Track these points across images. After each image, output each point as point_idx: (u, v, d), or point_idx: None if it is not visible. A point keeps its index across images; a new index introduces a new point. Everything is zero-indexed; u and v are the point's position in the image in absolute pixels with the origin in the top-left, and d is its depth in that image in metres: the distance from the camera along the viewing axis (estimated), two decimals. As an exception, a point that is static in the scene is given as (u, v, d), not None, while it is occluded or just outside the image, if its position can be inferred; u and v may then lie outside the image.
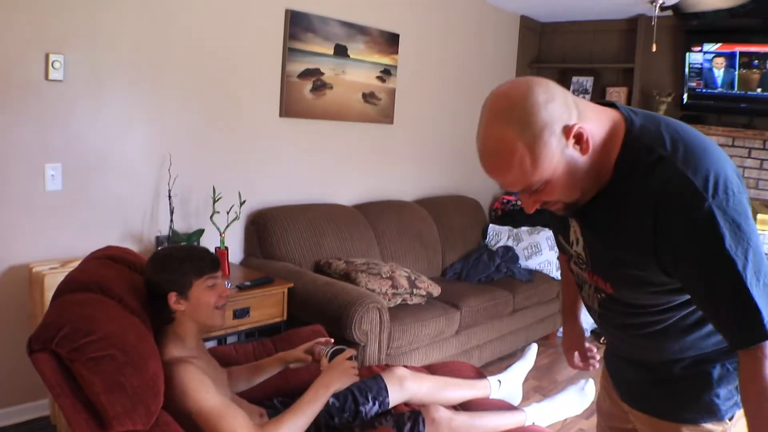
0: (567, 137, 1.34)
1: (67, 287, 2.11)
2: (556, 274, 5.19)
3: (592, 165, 1.40)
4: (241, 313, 3.39)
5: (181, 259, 2.21)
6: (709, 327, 1.51)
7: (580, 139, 1.35)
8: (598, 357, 2.11)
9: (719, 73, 5.30)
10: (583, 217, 1.55)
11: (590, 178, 1.41)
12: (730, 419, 1.61)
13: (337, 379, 2.24)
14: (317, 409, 2.19)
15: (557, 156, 1.34)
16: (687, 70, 5.44)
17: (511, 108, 1.34)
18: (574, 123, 1.34)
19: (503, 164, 1.36)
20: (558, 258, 2.16)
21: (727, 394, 1.59)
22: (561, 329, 5.41)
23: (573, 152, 1.36)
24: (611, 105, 1.47)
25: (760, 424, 1.35)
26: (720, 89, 5.32)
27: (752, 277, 1.30)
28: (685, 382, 1.63)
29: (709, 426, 1.61)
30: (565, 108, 1.34)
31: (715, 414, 1.60)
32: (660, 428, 1.71)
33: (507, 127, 1.33)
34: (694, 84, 5.44)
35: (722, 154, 1.38)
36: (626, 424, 1.92)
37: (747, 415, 1.39)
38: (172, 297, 2.18)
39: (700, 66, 5.38)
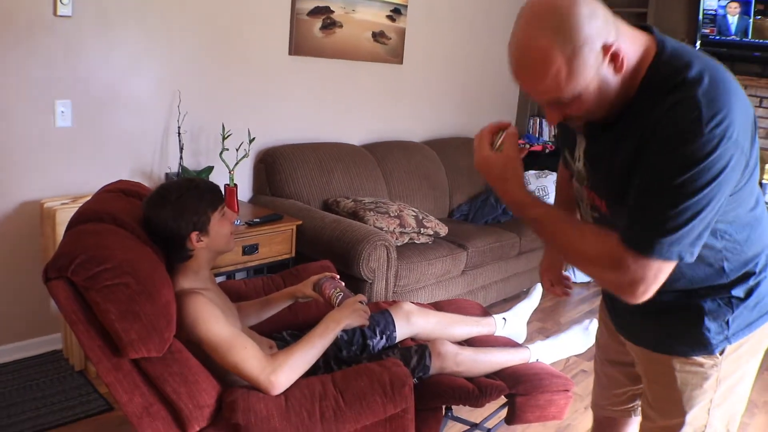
0: (604, 55, 1.33)
1: (80, 218, 2.14)
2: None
3: (622, 85, 1.39)
4: (250, 250, 3.42)
5: (195, 198, 2.20)
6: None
7: (615, 59, 1.34)
8: (573, 287, 2.15)
9: (733, 20, 5.23)
10: (592, 134, 1.56)
11: (618, 97, 1.41)
12: (721, 353, 1.63)
13: (347, 316, 2.28)
14: (327, 343, 2.23)
15: (592, 72, 1.34)
16: (701, 16, 5.36)
17: (554, 16, 1.31)
18: (612, 41, 1.33)
19: (538, 73, 1.34)
20: (557, 175, 2.15)
21: (717, 328, 1.60)
22: (564, 273, 5.47)
23: (608, 71, 1.35)
24: (648, 29, 1.46)
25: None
26: (733, 36, 5.26)
27: (681, 210, 1.32)
28: (675, 315, 1.65)
29: (700, 359, 1.64)
30: (606, 25, 1.34)
31: (705, 347, 1.62)
32: (653, 360, 1.74)
33: (548, 36, 1.30)
34: (707, 31, 5.37)
35: (745, 101, 1.37)
36: (624, 356, 1.96)
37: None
38: (194, 237, 2.19)
39: (714, 12, 5.30)
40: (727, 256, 1.56)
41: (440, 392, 2.41)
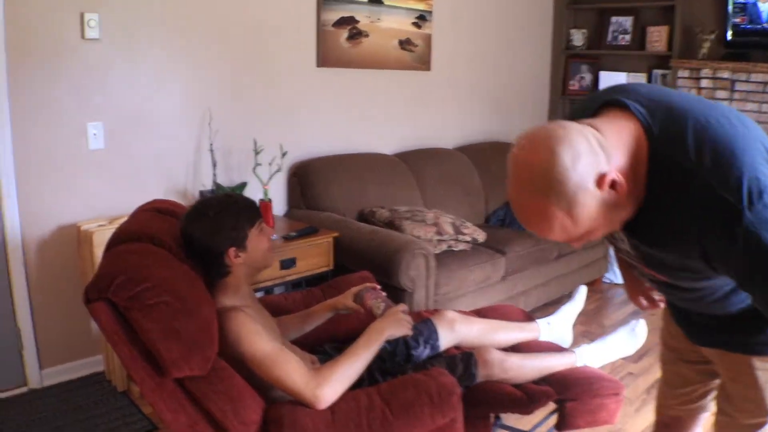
0: (601, 187, 1.30)
1: (118, 239, 2.13)
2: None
3: (629, 194, 1.35)
4: (288, 264, 3.40)
5: (233, 215, 2.18)
6: None
7: (614, 186, 1.31)
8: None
9: (764, 8, 5.11)
10: (629, 232, 1.51)
11: (629, 205, 1.38)
12: None
13: (390, 326, 2.24)
14: (371, 355, 2.19)
15: (595, 208, 1.32)
16: (731, 5, 5.25)
17: (539, 178, 1.30)
18: (605, 169, 1.30)
19: (543, 228, 1.35)
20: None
21: None
22: (606, 274, 5.41)
23: (610, 196, 1.32)
24: (620, 104, 1.40)
25: None
26: (765, 25, 5.15)
27: None
28: (751, 314, 1.57)
29: None
30: (593, 157, 1.29)
31: None
32: (732, 360, 1.70)
33: (540, 198, 1.30)
34: (738, 20, 5.24)
35: (751, 142, 1.32)
36: (698, 355, 1.91)
37: None
38: (232, 253, 2.17)
39: (744, 0, 5.20)
40: None
41: (488, 400, 2.37)
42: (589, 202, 1.30)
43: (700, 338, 1.81)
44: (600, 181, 1.29)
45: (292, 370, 2.05)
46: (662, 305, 2.03)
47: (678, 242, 1.38)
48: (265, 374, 2.05)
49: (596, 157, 1.30)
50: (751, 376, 1.64)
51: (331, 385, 2.06)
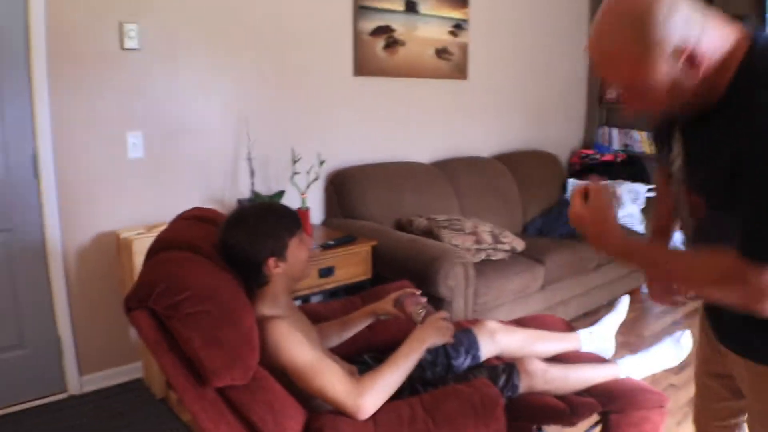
0: (679, 57, 1.30)
1: (158, 247, 2.13)
2: (640, 227, 5.05)
3: (702, 84, 1.35)
4: (326, 272, 3.39)
5: (273, 224, 2.16)
6: None
7: (692, 60, 1.30)
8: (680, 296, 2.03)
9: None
10: (689, 133, 1.50)
11: (696, 95, 1.37)
12: None
13: (431, 334, 2.21)
14: (412, 364, 2.16)
15: (664, 72, 1.33)
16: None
17: (631, 14, 1.32)
18: (691, 43, 1.29)
19: (609, 64, 1.38)
20: (655, 181, 2.06)
21: None
22: (644, 285, 5.33)
23: (683, 72, 1.32)
24: (744, 18, 1.40)
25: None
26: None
27: None
28: None
29: None
30: (686, 24, 1.29)
31: None
32: (758, 374, 1.63)
33: (622, 31, 1.33)
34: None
35: None
36: (725, 368, 1.84)
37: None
38: (271, 263, 2.15)
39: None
40: None
41: (531, 412, 2.33)
42: (662, 61, 1.32)
43: (728, 338, 1.72)
44: (680, 50, 1.31)
45: (333, 379, 2.02)
46: (677, 302, 1.97)
47: (728, 140, 1.36)
48: (306, 384, 2.03)
49: (689, 26, 1.31)
50: None
51: (373, 395, 2.04)
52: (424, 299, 2.42)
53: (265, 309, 2.18)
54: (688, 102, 1.39)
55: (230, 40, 3.67)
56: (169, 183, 3.56)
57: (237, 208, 2.25)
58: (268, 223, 2.15)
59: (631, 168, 5.69)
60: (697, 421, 2.11)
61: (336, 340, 2.54)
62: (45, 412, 3.25)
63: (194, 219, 2.41)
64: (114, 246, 3.39)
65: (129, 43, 3.29)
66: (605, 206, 1.55)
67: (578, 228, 1.60)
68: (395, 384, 2.11)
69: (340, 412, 2.02)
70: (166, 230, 2.28)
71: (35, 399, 3.34)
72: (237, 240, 2.13)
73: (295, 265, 2.21)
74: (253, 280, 2.20)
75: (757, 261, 1.31)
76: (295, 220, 2.23)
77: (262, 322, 2.06)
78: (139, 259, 3.08)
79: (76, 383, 3.44)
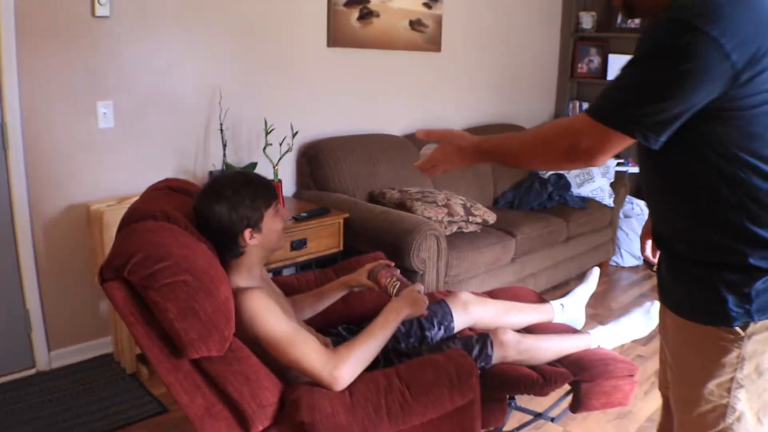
0: None
1: (131, 217, 2.09)
2: (609, 201, 5.11)
3: None
4: (299, 245, 3.38)
5: (250, 195, 2.14)
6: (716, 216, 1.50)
7: None
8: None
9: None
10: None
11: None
12: (743, 329, 1.51)
13: (406, 306, 2.22)
14: (388, 334, 2.17)
15: None
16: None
17: None
18: None
19: None
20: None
21: (735, 300, 1.50)
22: (612, 258, 5.40)
23: None
24: None
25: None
26: None
27: (627, 84, 1.42)
28: (700, 282, 1.56)
29: (718, 330, 1.54)
30: None
31: (723, 318, 1.52)
32: (679, 327, 1.66)
33: None
34: None
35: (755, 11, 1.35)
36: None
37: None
38: (247, 234, 2.13)
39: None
40: (750, 210, 1.46)
41: (504, 382, 2.35)
42: None
43: (667, 297, 1.74)
44: None
45: (309, 350, 2.02)
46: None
47: None
48: (281, 355, 2.03)
49: None
50: (690, 344, 1.64)
51: (349, 366, 2.04)
52: (398, 271, 2.42)
53: (240, 280, 2.17)
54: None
55: (203, 9, 3.61)
56: (140, 154, 3.51)
57: (213, 179, 2.22)
58: (245, 194, 2.13)
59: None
60: (660, 384, 2.13)
61: (309, 313, 2.54)
62: (13, 388, 3.21)
63: (167, 189, 2.38)
64: (84, 218, 3.35)
65: (100, 10, 3.22)
66: (447, 135, 1.82)
67: (435, 165, 1.87)
68: (371, 355, 2.11)
69: (316, 384, 2.02)
70: (139, 200, 2.25)
71: (3, 375, 3.30)
72: (213, 211, 2.11)
73: (270, 237, 2.20)
74: (228, 251, 2.18)
75: (591, 116, 1.46)
76: (270, 191, 2.21)
77: (237, 294, 2.05)
78: (110, 231, 3.05)
79: (45, 358, 3.40)
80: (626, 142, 1.44)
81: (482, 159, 1.77)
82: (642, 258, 5.19)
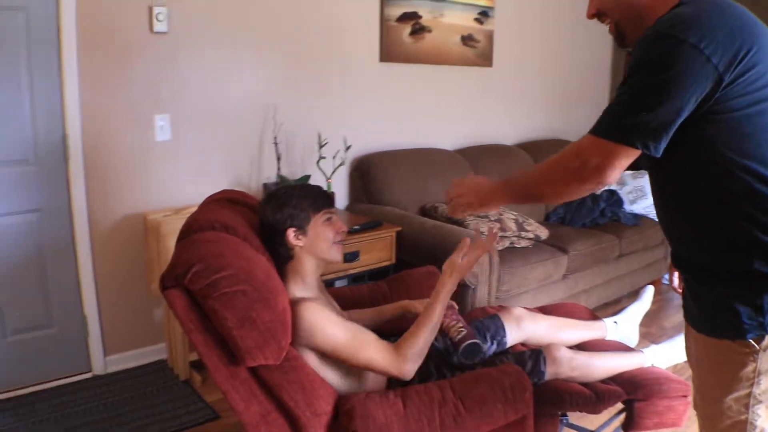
0: None
1: (191, 228, 2.14)
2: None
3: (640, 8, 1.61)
4: (351, 257, 3.40)
5: (298, 196, 2.23)
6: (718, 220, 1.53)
7: None
8: None
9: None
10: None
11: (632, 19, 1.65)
12: (758, 342, 1.50)
13: (452, 280, 2.25)
14: (441, 313, 2.21)
15: None
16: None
17: None
18: None
19: None
20: None
21: (749, 312, 1.49)
22: (665, 275, 5.32)
23: None
24: None
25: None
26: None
27: (622, 100, 1.49)
28: (714, 295, 1.56)
29: (734, 344, 1.54)
30: None
31: (736, 331, 1.52)
32: (699, 341, 1.66)
33: None
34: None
35: (731, 17, 1.44)
36: None
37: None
38: (291, 233, 2.19)
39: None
40: (757, 219, 1.47)
41: (557, 398, 2.33)
42: None
43: (688, 314, 1.73)
44: None
45: (374, 351, 2.06)
46: None
47: None
48: (349, 359, 2.06)
49: None
50: (709, 359, 1.64)
51: (415, 360, 2.09)
52: (461, 317, 2.39)
53: (297, 290, 2.20)
54: (626, 19, 1.68)
55: (259, 25, 3.67)
56: (195, 166, 3.58)
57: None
58: (293, 196, 2.23)
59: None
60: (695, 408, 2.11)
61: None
62: (70, 392, 3.28)
63: (225, 201, 2.42)
64: (141, 228, 3.42)
65: (158, 27, 3.31)
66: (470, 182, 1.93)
67: (470, 204, 1.94)
68: (430, 340, 2.16)
69: (369, 394, 2.04)
70: (198, 211, 2.29)
71: (61, 378, 3.38)
72: (265, 211, 2.23)
73: (317, 243, 2.23)
74: (279, 254, 2.23)
75: (594, 134, 1.52)
76: (322, 197, 2.28)
77: (294, 304, 2.08)
78: (166, 240, 3.11)
79: (101, 363, 3.48)
80: (631, 155, 1.50)
81: (512, 194, 1.84)
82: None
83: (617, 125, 1.48)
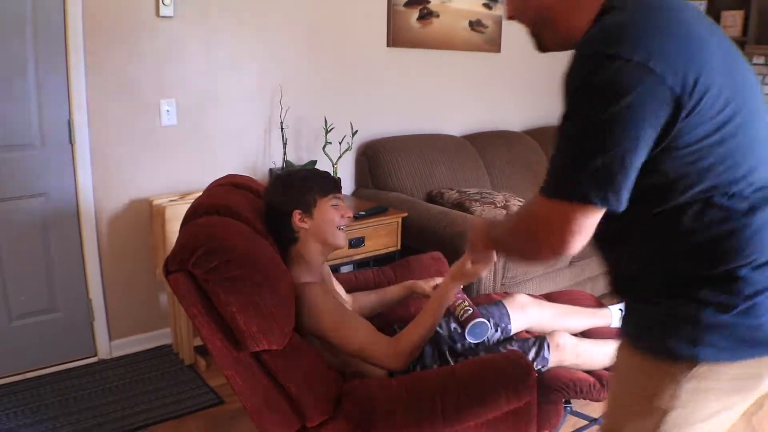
0: None
1: (196, 212, 2.14)
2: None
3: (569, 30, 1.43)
4: (356, 243, 3.39)
5: (304, 178, 2.24)
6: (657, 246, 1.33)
7: None
8: None
9: None
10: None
11: (563, 40, 1.49)
12: (689, 368, 1.28)
13: (457, 279, 2.23)
14: (444, 308, 2.22)
15: None
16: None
17: None
18: None
19: None
20: None
21: (681, 333, 1.28)
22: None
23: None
24: None
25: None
26: None
27: (566, 147, 1.25)
28: (649, 308, 1.37)
29: (655, 360, 1.33)
30: None
31: (662, 350, 1.31)
32: (619, 348, 1.48)
33: None
34: (819, 3, 5.06)
35: (677, 34, 1.19)
36: None
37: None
38: (297, 215, 2.19)
39: (827, -18, 4.99)
40: (703, 240, 1.27)
41: (561, 385, 2.32)
42: None
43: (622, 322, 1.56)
44: None
45: (371, 340, 2.07)
46: None
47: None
48: (346, 344, 2.07)
49: None
50: (623, 370, 1.44)
51: (408, 355, 2.10)
52: (466, 296, 2.37)
53: (301, 275, 2.20)
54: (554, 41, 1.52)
55: (265, 9, 3.65)
56: (201, 151, 3.57)
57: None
58: (301, 178, 2.25)
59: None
60: None
61: (369, 313, 2.55)
62: (75, 376, 3.29)
63: (230, 185, 2.42)
64: (146, 212, 3.41)
65: (164, 11, 3.29)
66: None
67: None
68: (429, 332, 2.16)
69: (372, 380, 2.04)
70: (203, 196, 2.30)
71: (66, 362, 3.39)
72: (270, 193, 2.25)
73: (322, 226, 2.23)
74: (283, 236, 2.23)
75: (543, 194, 1.27)
76: (328, 181, 2.28)
77: (299, 288, 2.08)
78: (171, 225, 3.11)
79: (106, 347, 3.48)
80: (595, 213, 1.23)
81: (494, 242, 1.69)
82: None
83: (568, 180, 1.22)
